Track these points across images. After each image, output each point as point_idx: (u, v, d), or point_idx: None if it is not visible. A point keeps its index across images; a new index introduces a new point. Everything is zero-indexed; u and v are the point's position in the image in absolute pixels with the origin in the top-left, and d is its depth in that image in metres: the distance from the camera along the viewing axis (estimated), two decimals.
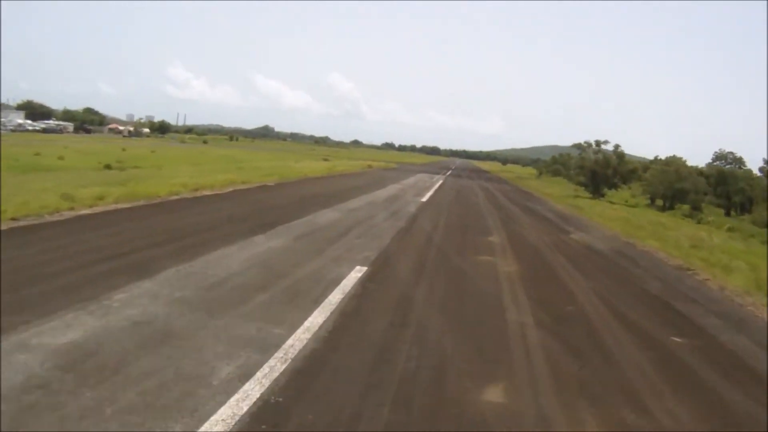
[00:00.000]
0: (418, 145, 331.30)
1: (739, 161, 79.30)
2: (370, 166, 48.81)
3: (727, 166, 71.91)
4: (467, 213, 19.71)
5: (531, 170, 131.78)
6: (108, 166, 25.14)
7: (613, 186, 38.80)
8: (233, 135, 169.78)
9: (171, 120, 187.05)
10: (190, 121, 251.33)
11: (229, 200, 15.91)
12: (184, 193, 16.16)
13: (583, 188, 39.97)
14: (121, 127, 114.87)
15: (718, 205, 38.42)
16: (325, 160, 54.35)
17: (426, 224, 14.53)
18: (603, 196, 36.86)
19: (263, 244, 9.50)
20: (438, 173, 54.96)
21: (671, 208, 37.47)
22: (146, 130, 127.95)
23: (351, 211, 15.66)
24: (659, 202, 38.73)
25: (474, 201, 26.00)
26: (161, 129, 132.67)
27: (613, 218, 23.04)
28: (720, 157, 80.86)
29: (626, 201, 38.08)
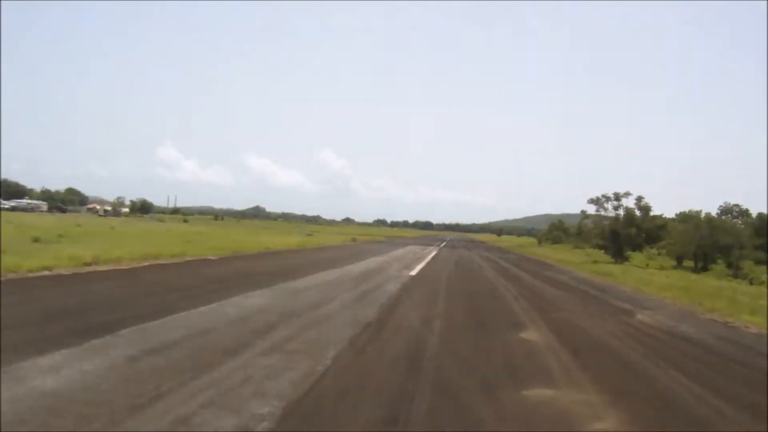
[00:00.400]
0: (411, 220, 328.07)
1: (745, 213, 75.37)
2: (354, 240, 43.44)
3: (734, 220, 67.74)
4: (476, 290, 14.05)
5: (529, 239, 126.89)
6: (36, 239, 20.32)
7: (638, 247, 32.85)
8: (218, 215, 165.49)
9: (162, 203, 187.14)
10: (182, 203, 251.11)
11: (117, 279, 10.48)
12: (62, 267, 10.98)
13: (601, 252, 34.09)
14: (98, 207, 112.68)
15: (757, 261, 32.21)
16: (309, 235, 50.15)
17: (413, 314, 8.84)
18: (626, 259, 31.04)
19: (8, 388, 3.83)
20: (431, 245, 49.59)
21: (704, 268, 31.50)
22: (125, 209, 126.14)
23: (296, 293, 10.04)
24: (688, 262, 32.76)
25: (480, 273, 20.45)
26: (143, 209, 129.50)
27: (663, 286, 17.45)
28: (726, 210, 76.66)
29: (647, 264, 32.49)
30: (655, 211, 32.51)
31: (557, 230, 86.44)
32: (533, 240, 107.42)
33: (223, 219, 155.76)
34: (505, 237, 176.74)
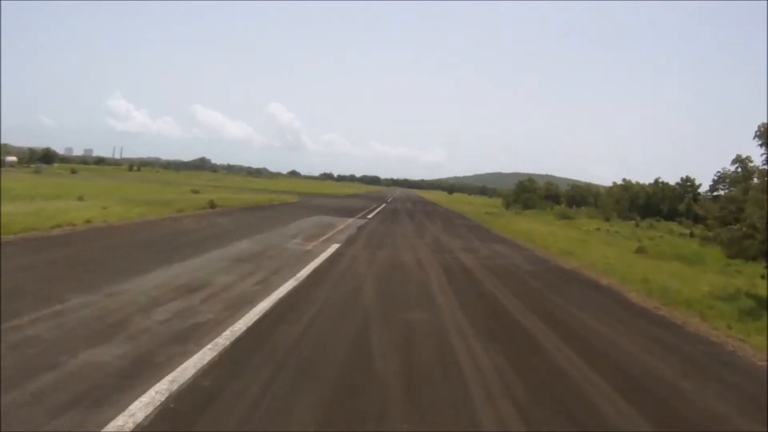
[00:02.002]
0: (358, 174, 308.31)
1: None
2: (212, 205, 23.26)
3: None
4: None
5: (487, 200, 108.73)
6: None
7: None
8: (133, 165, 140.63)
9: (108, 153, 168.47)
10: (130, 154, 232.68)
11: None
12: None
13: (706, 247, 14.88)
14: None
15: None
16: (195, 192, 34.86)
17: None
18: None
19: None
20: (359, 211, 29.86)
21: None
22: (11, 158, 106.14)
23: None
24: None
25: None
26: (45, 158, 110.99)
27: None
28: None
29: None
30: None
31: (527, 192, 68.02)
32: (494, 201, 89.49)
33: (139, 170, 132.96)
34: (457, 195, 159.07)
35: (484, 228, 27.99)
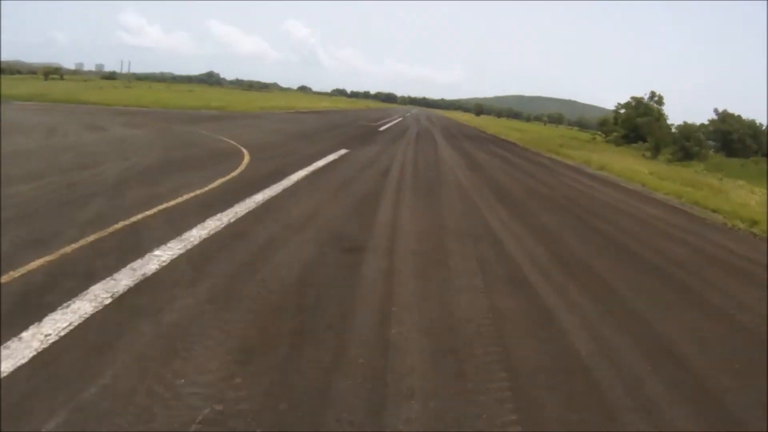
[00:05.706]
0: (373, 92, 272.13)
1: None
2: None
3: None
4: None
5: (524, 125, 76.11)
6: None
7: None
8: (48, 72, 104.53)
9: (116, 68, 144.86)
10: (140, 69, 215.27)
11: None
12: None
13: None
14: None
15: None
16: None
17: None
18: None
19: None
20: None
21: None
22: None
23: None
24: None
25: None
26: None
27: None
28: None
29: None
30: None
31: (646, 114, 35.89)
32: (559, 131, 57.99)
33: (62, 78, 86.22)
34: (487, 118, 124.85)
35: None
